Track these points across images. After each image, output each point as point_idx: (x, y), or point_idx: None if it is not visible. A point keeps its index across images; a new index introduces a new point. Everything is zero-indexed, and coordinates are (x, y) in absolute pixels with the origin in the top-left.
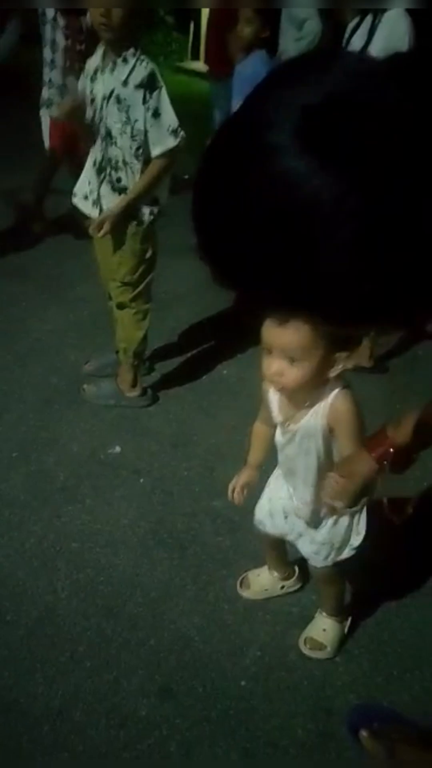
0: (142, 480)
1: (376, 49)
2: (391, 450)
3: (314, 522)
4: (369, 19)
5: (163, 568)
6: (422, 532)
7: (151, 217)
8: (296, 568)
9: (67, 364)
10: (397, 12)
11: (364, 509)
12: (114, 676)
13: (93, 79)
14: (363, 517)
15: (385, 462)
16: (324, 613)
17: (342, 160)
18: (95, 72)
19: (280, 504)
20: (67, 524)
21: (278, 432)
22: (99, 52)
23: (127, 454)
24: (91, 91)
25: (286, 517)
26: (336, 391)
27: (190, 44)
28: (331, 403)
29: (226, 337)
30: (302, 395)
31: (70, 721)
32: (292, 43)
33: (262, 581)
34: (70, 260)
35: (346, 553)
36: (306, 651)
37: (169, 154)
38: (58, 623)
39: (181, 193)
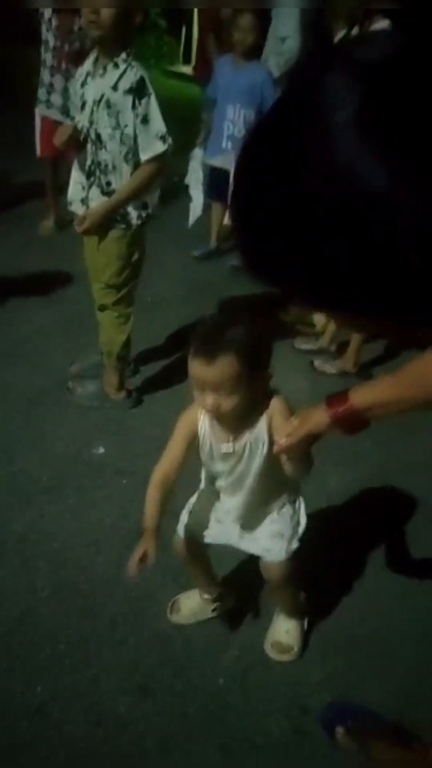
0: (125, 481)
1: None
2: (346, 411)
3: (252, 523)
4: (355, 31)
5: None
6: (400, 532)
7: (139, 221)
8: (227, 588)
9: (52, 365)
10: (382, 26)
11: (302, 502)
12: (93, 674)
13: (84, 84)
14: (302, 507)
15: (337, 420)
16: (282, 615)
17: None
18: (86, 77)
19: (211, 514)
20: (50, 524)
21: (214, 460)
22: (91, 57)
23: (111, 454)
24: (82, 96)
25: (219, 522)
26: (272, 402)
27: (182, 48)
28: (269, 414)
29: None
30: (241, 416)
31: (48, 718)
32: (273, 56)
33: (192, 604)
34: (58, 261)
35: (295, 544)
36: (275, 656)
37: (158, 159)
38: (38, 622)
39: (168, 198)
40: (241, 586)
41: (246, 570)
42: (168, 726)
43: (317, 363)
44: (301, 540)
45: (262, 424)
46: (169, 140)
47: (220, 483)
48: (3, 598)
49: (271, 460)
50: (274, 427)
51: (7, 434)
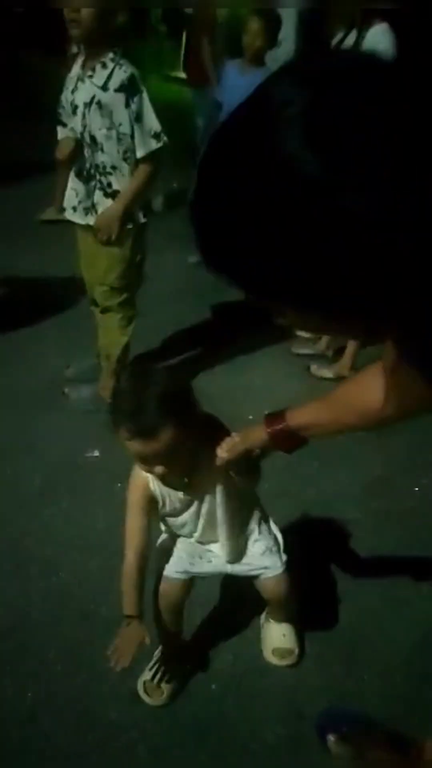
0: (119, 484)
1: None
2: (283, 429)
3: (239, 553)
4: (354, 33)
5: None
6: (396, 538)
7: (145, 219)
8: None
9: (47, 368)
10: (381, 27)
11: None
12: (85, 680)
13: (74, 90)
14: (272, 522)
15: (274, 438)
16: (273, 621)
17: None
18: (76, 82)
19: (195, 551)
20: (43, 529)
21: (180, 508)
22: (78, 61)
23: (106, 458)
24: (72, 102)
25: (209, 561)
26: (207, 435)
27: (182, 53)
28: (213, 445)
29: (207, 343)
30: (191, 469)
31: (39, 725)
32: (269, 61)
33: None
34: (53, 264)
35: (285, 555)
36: (277, 662)
37: (152, 157)
38: (31, 628)
39: (164, 201)
40: (235, 597)
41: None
42: (160, 733)
43: (314, 368)
44: (285, 551)
45: (214, 467)
46: (164, 138)
47: (195, 536)
48: None
49: (234, 493)
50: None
51: (0, 438)
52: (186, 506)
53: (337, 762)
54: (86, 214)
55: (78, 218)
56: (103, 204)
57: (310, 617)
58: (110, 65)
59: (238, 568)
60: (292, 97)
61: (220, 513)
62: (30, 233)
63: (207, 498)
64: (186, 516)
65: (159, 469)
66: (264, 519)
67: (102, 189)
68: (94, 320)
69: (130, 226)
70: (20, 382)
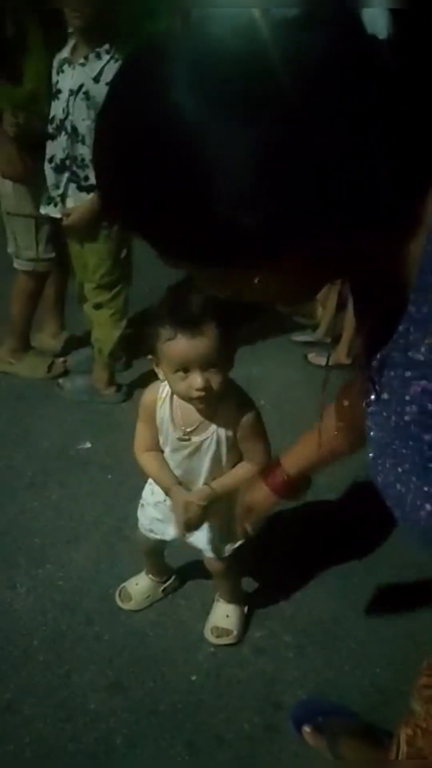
0: (110, 476)
1: None
2: (286, 484)
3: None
4: None
5: (123, 565)
6: (376, 528)
7: None
8: (172, 568)
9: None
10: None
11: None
12: (66, 670)
13: (60, 72)
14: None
15: (283, 494)
16: (222, 601)
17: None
18: (63, 64)
19: (164, 507)
20: (32, 520)
21: (172, 447)
22: (69, 44)
23: (98, 449)
24: (57, 84)
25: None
26: (234, 394)
27: None
28: (234, 409)
29: None
30: (211, 403)
31: (18, 714)
32: None
33: (142, 589)
34: None
35: (239, 542)
36: (214, 640)
37: None
38: (15, 618)
39: None
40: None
41: None
42: (137, 722)
43: (311, 356)
44: (247, 536)
45: (225, 427)
46: None
47: (177, 469)
48: None
49: (224, 464)
50: (241, 442)
51: None
52: (176, 450)
53: (312, 752)
54: (54, 205)
55: (49, 211)
56: (75, 197)
57: (291, 608)
58: (105, 57)
59: (195, 539)
60: (177, 50)
61: (201, 479)
62: None
63: (198, 457)
64: (170, 456)
65: (200, 378)
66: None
67: (76, 182)
68: (86, 317)
69: (106, 224)
70: (11, 374)
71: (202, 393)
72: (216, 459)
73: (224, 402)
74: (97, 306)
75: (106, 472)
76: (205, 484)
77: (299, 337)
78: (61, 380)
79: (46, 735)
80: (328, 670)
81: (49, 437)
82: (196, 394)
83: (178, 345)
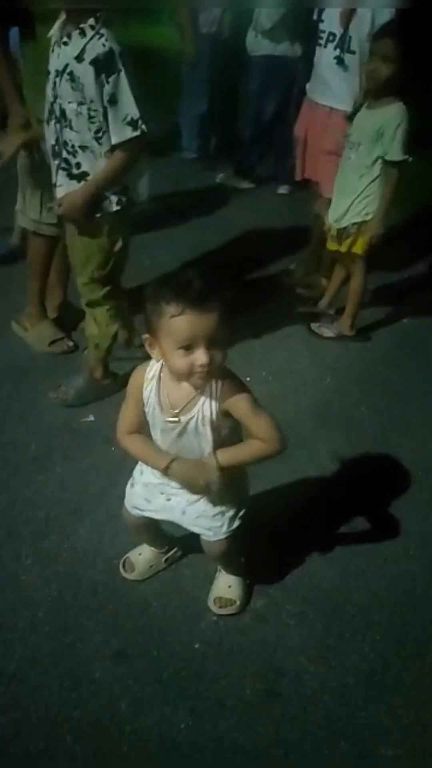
0: (113, 449)
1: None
2: None
3: (189, 495)
4: None
5: (126, 536)
6: (379, 498)
7: (119, 207)
8: (174, 538)
9: None
10: None
11: (247, 479)
12: (71, 640)
13: (51, 51)
14: (247, 488)
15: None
16: (222, 572)
17: None
18: (53, 43)
19: (158, 488)
20: (36, 493)
21: (161, 428)
22: (58, 22)
23: (101, 422)
24: (48, 65)
25: (168, 499)
26: (222, 372)
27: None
28: (223, 387)
29: None
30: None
31: (24, 683)
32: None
33: (145, 559)
34: None
35: (236, 523)
36: (217, 610)
37: (127, 146)
38: (20, 589)
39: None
40: None
41: None
42: (141, 690)
43: (315, 326)
44: (243, 518)
45: (211, 403)
46: (142, 127)
47: (164, 446)
48: None
49: (216, 442)
50: (232, 407)
51: None
52: (164, 431)
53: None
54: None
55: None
56: (67, 185)
57: (292, 577)
58: (89, 33)
59: (186, 520)
60: None
61: (189, 453)
62: None
63: (187, 436)
64: (159, 436)
65: (203, 354)
66: (238, 485)
67: (66, 169)
68: None
69: (99, 214)
70: (16, 349)
71: (206, 369)
72: (205, 437)
73: (210, 379)
74: (91, 304)
75: (110, 444)
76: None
77: (302, 308)
78: (62, 386)
79: (51, 703)
80: (328, 637)
81: (51, 412)
82: (199, 370)
83: (186, 320)
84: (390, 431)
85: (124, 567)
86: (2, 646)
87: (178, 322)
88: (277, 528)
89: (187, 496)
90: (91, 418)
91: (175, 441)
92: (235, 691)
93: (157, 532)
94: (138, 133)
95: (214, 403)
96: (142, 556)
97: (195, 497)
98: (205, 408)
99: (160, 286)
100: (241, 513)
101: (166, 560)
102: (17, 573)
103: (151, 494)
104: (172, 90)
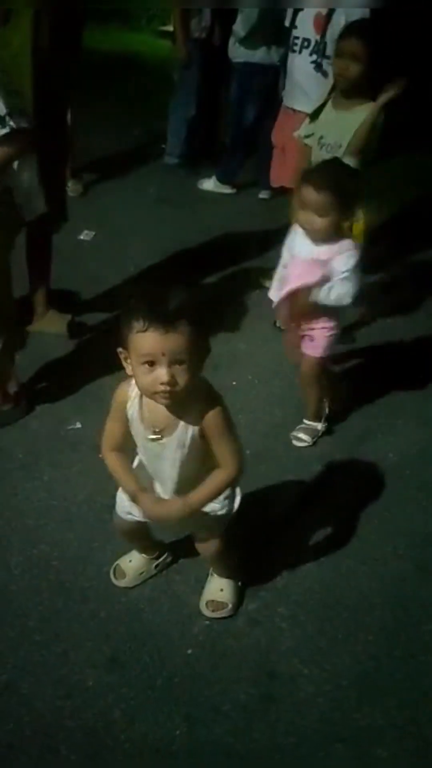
0: (101, 455)
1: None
2: None
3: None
4: None
5: (116, 542)
6: (375, 498)
7: None
8: (164, 544)
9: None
10: None
11: (239, 491)
12: (63, 648)
13: None
14: (238, 493)
15: None
16: (215, 575)
17: None
18: None
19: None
20: (24, 501)
21: (142, 445)
22: None
23: (88, 429)
24: None
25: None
26: (202, 392)
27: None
28: (202, 408)
29: None
30: (179, 402)
31: (17, 693)
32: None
33: (136, 566)
34: None
35: (226, 523)
36: (209, 613)
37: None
38: (10, 599)
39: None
40: None
41: None
42: (135, 697)
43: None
44: (233, 518)
45: (191, 427)
46: (11, 123)
47: (145, 459)
48: None
49: (192, 465)
50: (211, 444)
51: None
52: (146, 448)
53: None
54: None
55: None
56: None
57: (283, 580)
58: None
59: (176, 523)
60: None
61: (173, 475)
62: None
63: (167, 455)
64: (142, 452)
65: (166, 373)
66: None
67: None
68: None
69: None
70: None
71: (167, 387)
72: (184, 459)
73: (192, 402)
74: None
75: (97, 451)
76: (179, 494)
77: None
78: None
79: (45, 713)
80: (321, 639)
81: (39, 418)
82: (160, 388)
83: (148, 337)
84: (376, 431)
85: (114, 574)
86: None
87: (142, 338)
88: (267, 530)
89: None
90: (78, 425)
91: (154, 460)
92: (229, 696)
93: (148, 537)
94: (7, 129)
95: (192, 428)
96: (132, 563)
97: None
98: (188, 431)
99: (135, 300)
100: (231, 513)
101: (157, 566)
102: (7, 582)
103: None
104: (151, 95)
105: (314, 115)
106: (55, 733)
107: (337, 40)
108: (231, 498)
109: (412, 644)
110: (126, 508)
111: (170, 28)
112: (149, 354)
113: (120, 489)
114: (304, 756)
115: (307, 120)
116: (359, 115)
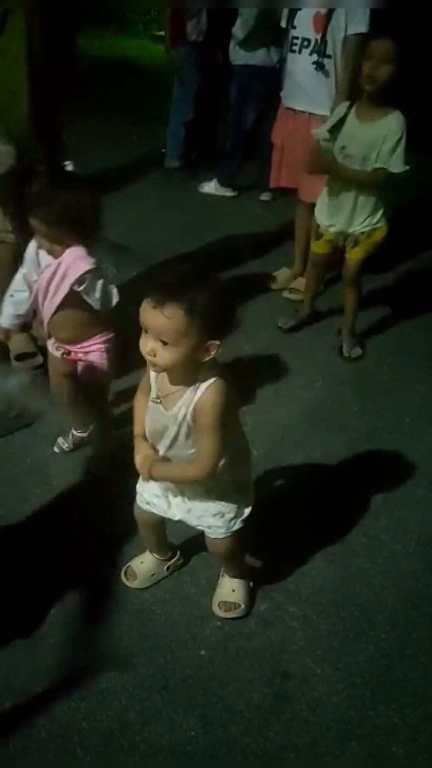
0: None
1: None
2: None
3: (193, 495)
4: None
5: (128, 544)
6: (375, 496)
7: None
8: (176, 546)
9: None
10: None
11: (249, 480)
12: (77, 652)
13: None
14: (250, 489)
15: None
16: (226, 576)
17: None
18: None
19: (159, 486)
20: (33, 506)
21: (150, 404)
22: None
23: (95, 434)
24: None
25: (175, 496)
26: (209, 381)
27: (169, 11)
28: (200, 394)
29: None
30: (175, 377)
31: (31, 695)
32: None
33: (147, 567)
34: None
35: (239, 524)
36: (222, 614)
37: None
38: (22, 604)
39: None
40: None
41: None
42: (149, 698)
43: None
44: (246, 520)
45: (188, 405)
46: None
47: (148, 426)
48: None
49: (183, 443)
50: (198, 414)
51: None
52: (152, 407)
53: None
54: None
55: None
56: None
57: (295, 580)
58: None
59: (191, 518)
60: None
61: (166, 439)
62: None
63: (172, 430)
64: (149, 423)
65: (150, 343)
66: (239, 486)
67: None
68: None
69: None
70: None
71: (148, 356)
72: (174, 436)
73: (195, 387)
74: None
75: (105, 456)
76: (159, 454)
77: (288, 323)
78: None
79: (60, 715)
80: (333, 638)
81: (47, 423)
82: (145, 355)
83: (143, 307)
84: (383, 430)
85: (126, 575)
86: (8, 661)
87: (142, 306)
88: (277, 530)
89: (189, 493)
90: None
91: (153, 422)
92: (243, 696)
93: (164, 535)
94: None
95: (186, 409)
96: (144, 564)
97: (197, 495)
98: (181, 411)
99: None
100: (244, 514)
101: (168, 568)
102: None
103: (159, 490)
104: (149, 100)
105: (334, 129)
106: (71, 735)
107: (365, 42)
108: (238, 517)
109: (424, 642)
110: (145, 498)
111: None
112: (142, 322)
113: (140, 481)
114: (319, 755)
115: (326, 132)
116: (384, 129)
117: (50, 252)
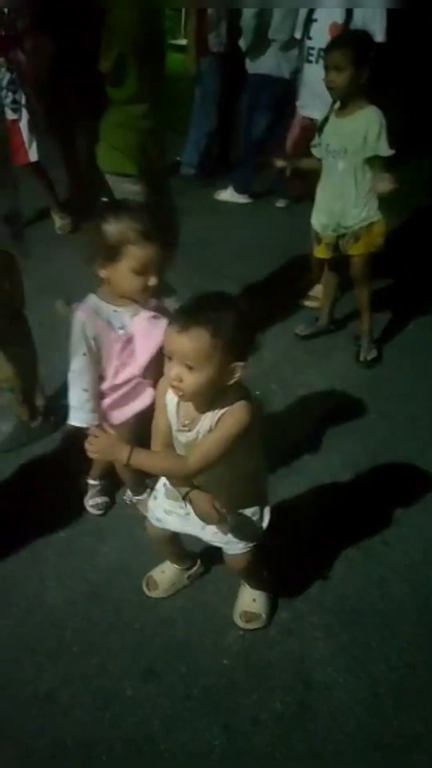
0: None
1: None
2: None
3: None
4: None
5: (148, 554)
6: (395, 504)
7: None
8: (196, 554)
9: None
10: None
11: (265, 496)
12: (100, 659)
13: None
14: (267, 512)
15: None
16: (246, 586)
17: None
18: None
19: (178, 501)
20: (56, 514)
21: (174, 435)
22: None
23: None
24: None
25: (187, 513)
26: (236, 404)
27: (183, 21)
28: (226, 412)
29: None
30: (201, 402)
31: (57, 704)
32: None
33: (168, 577)
34: None
35: (258, 540)
36: (243, 624)
37: None
38: (46, 611)
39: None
40: None
41: None
42: (173, 707)
43: (299, 329)
44: (264, 537)
45: (214, 416)
46: None
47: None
48: (11, 589)
49: (219, 472)
50: (218, 422)
51: None
52: (177, 438)
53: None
54: None
55: None
56: None
57: (316, 589)
58: None
59: (206, 535)
60: None
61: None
62: None
63: (198, 435)
64: (180, 439)
65: (175, 370)
66: (256, 500)
67: None
68: None
69: None
70: None
71: (174, 383)
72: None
73: (219, 406)
74: None
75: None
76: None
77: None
78: None
79: (85, 723)
80: (355, 648)
81: (67, 433)
82: (171, 381)
83: (168, 333)
84: (401, 436)
85: (147, 585)
86: (33, 668)
87: (167, 332)
88: (297, 539)
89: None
90: None
91: (182, 452)
92: (266, 705)
93: (180, 547)
94: None
95: (213, 420)
96: (165, 574)
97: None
98: (207, 421)
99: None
100: (261, 531)
101: (189, 577)
102: (42, 594)
103: (172, 507)
104: (164, 109)
105: (320, 129)
106: (96, 743)
107: (323, 58)
108: (259, 520)
109: None
110: (156, 515)
111: (181, 41)
112: (167, 349)
113: (153, 498)
114: (342, 764)
115: (317, 134)
116: (359, 120)
117: None
